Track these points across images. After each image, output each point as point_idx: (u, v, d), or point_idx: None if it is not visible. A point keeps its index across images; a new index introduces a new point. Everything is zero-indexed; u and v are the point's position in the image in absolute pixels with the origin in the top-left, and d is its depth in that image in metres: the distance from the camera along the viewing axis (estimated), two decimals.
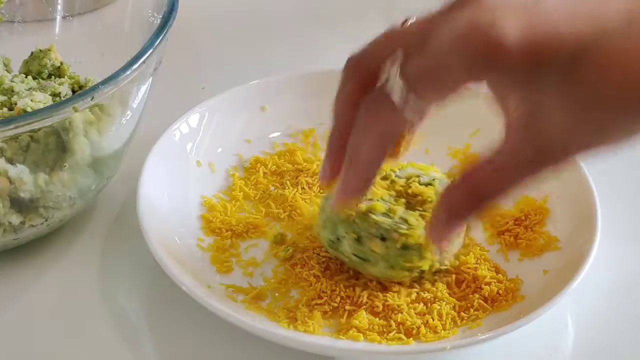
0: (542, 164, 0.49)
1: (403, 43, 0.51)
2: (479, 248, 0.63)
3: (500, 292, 0.59)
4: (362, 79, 0.53)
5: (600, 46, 0.46)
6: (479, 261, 0.62)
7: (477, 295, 0.59)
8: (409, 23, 0.52)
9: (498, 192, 0.51)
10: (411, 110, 0.50)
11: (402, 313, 0.58)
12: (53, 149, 0.60)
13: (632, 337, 0.60)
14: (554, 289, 0.57)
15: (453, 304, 0.59)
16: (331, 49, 0.84)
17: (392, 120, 0.51)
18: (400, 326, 0.57)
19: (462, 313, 0.58)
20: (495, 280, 0.60)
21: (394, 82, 0.50)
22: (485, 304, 0.59)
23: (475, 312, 0.58)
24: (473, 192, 0.51)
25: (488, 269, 0.61)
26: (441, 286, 0.60)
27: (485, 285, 0.60)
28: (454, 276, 0.61)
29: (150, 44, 0.60)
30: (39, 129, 0.58)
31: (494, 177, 0.51)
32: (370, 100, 0.52)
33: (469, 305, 0.59)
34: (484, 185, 0.51)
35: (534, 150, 0.49)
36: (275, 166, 0.69)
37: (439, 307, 0.58)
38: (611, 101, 0.46)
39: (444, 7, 0.50)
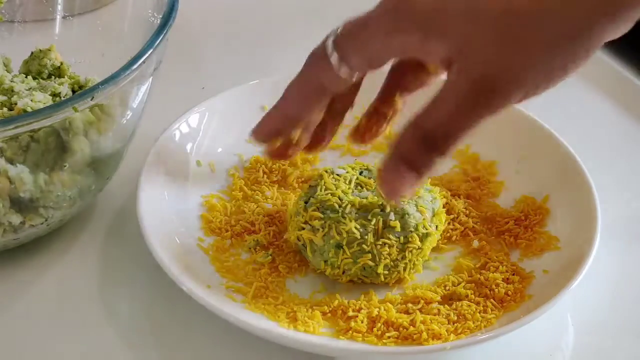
0: (477, 97, 0.51)
1: None
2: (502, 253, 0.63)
3: (509, 293, 0.59)
4: None
5: None
6: (498, 261, 0.62)
7: (491, 301, 0.59)
8: None
9: (444, 133, 0.52)
10: (344, 72, 0.54)
11: (402, 319, 0.58)
12: (53, 149, 0.60)
13: (632, 337, 0.60)
14: (554, 289, 0.57)
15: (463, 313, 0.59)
16: None
17: (324, 73, 0.55)
18: (401, 328, 0.57)
19: (478, 314, 0.58)
20: (504, 282, 0.60)
21: (327, 43, 0.54)
22: (497, 305, 0.59)
23: (487, 316, 0.58)
24: (421, 133, 0.52)
25: (505, 270, 0.61)
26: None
27: (495, 286, 0.60)
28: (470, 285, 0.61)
29: (150, 44, 0.60)
30: (39, 129, 0.58)
31: (437, 116, 0.52)
32: (311, 55, 0.56)
33: (481, 309, 0.59)
34: (431, 126, 0.52)
35: (468, 83, 0.51)
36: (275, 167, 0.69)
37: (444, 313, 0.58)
38: (523, 10, 0.49)
39: None
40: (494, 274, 0.60)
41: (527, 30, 0.49)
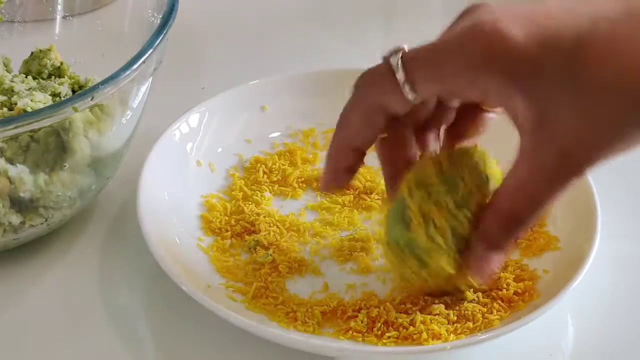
0: (565, 171, 0.48)
1: None
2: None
3: (519, 292, 0.59)
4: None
5: (600, 34, 0.46)
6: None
7: (498, 302, 0.59)
8: None
9: (531, 211, 0.50)
10: (408, 93, 0.50)
11: (402, 319, 0.58)
12: (53, 149, 0.60)
13: (632, 337, 0.60)
14: (554, 289, 0.57)
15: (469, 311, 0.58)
16: (331, 49, 0.84)
17: (385, 91, 0.51)
18: (401, 328, 0.57)
19: (487, 314, 0.58)
20: (512, 281, 0.60)
21: (393, 61, 0.50)
22: (504, 306, 0.59)
23: (492, 316, 0.58)
24: (507, 217, 0.51)
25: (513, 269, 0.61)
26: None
27: (505, 285, 0.59)
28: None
29: (150, 44, 0.60)
30: (39, 129, 0.58)
31: (523, 196, 0.50)
32: (369, 72, 0.52)
33: (487, 310, 0.58)
34: (517, 208, 0.50)
35: (552, 158, 0.48)
36: (275, 167, 0.69)
37: (446, 313, 0.58)
38: (614, 88, 0.46)
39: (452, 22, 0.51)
40: (504, 273, 0.60)
41: (623, 111, 0.46)
